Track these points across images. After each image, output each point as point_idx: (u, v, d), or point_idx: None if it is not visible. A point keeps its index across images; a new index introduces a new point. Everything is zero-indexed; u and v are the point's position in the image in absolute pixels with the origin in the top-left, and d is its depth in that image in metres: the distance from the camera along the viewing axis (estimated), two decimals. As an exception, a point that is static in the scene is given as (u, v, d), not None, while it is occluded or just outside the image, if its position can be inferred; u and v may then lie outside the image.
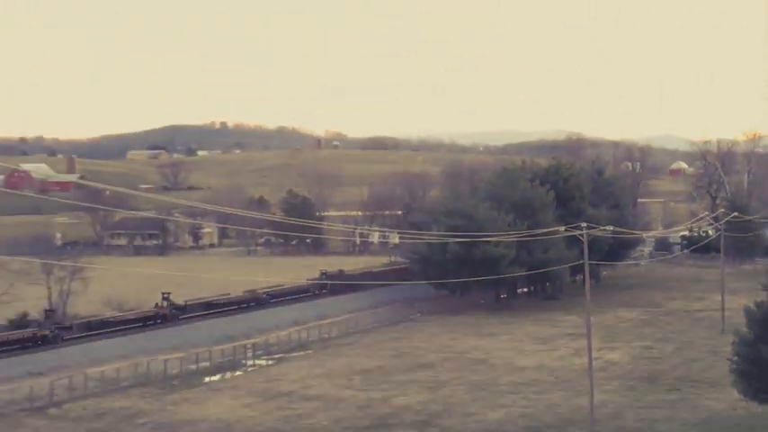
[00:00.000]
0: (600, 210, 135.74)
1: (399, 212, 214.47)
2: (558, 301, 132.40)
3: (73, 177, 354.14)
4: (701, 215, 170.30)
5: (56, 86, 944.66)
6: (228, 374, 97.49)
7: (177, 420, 78.49)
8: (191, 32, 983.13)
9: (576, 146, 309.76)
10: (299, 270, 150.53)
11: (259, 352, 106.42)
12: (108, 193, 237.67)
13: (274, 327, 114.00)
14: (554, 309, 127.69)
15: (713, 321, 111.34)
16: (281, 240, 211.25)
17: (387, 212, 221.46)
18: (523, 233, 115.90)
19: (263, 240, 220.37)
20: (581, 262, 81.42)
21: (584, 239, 78.15)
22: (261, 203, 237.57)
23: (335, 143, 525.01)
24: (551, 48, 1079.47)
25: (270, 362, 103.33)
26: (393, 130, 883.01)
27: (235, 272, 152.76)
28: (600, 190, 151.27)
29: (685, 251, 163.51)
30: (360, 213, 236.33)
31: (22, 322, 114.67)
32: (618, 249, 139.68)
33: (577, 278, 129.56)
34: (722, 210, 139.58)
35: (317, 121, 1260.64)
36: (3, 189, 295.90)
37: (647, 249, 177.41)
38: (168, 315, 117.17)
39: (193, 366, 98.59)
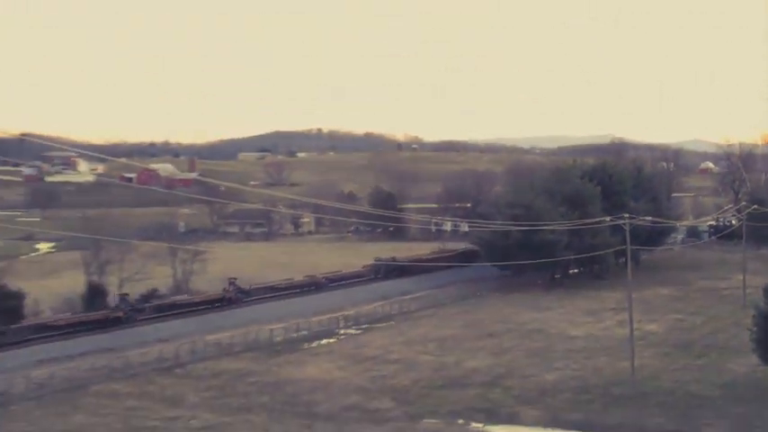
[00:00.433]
0: (639, 202, 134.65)
1: (468, 205, 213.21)
2: (603, 281, 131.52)
3: (193, 175, 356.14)
4: (726, 207, 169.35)
5: (180, 97, 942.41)
6: (324, 341, 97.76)
7: (281, 379, 78.97)
8: (290, 45, 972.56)
9: (618, 148, 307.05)
10: (379, 254, 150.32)
11: (350, 323, 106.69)
12: (223, 188, 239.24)
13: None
14: (600, 287, 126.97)
15: (736, 298, 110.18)
16: (368, 228, 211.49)
17: (457, 205, 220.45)
18: (574, 222, 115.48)
19: (352, 228, 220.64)
20: (624, 247, 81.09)
21: (627, 228, 77.97)
22: (350, 197, 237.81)
23: (414, 146, 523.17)
24: (602, 57, 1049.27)
25: (358, 331, 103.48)
26: (463, 135, 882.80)
27: (326, 255, 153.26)
28: (639, 185, 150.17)
29: (712, 238, 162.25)
30: (435, 205, 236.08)
31: (151, 295, 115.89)
32: (655, 236, 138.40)
33: (620, 261, 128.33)
34: (744, 203, 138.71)
35: (397, 127, 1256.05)
36: (136, 185, 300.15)
37: (680, 236, 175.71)
38: (233, 298, 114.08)
39: (294, 334, 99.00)
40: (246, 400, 72.37)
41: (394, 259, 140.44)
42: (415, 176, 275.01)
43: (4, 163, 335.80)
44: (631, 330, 76.98)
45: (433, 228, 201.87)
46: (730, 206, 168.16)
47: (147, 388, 76.83)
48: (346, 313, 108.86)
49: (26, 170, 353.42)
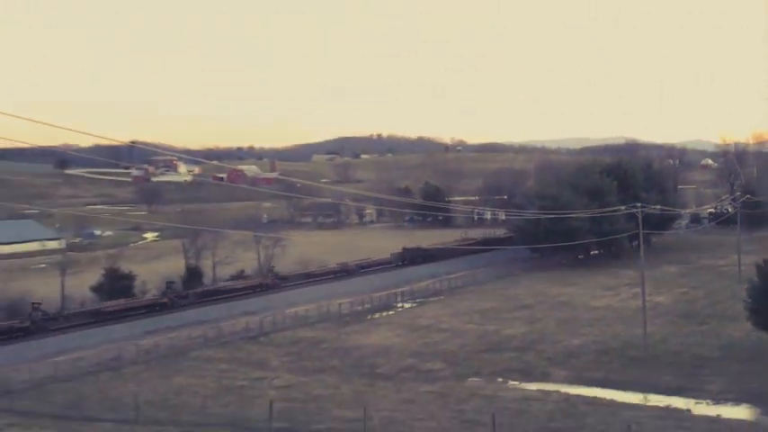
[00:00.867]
0: (650, 194, 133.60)
1: (505, 197, 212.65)
2: (620, 260, 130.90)
3: (274, 175, 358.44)
4: (723, 197, 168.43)
5: (265, 107, 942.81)
6: (384, 313, 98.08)
7: (349, 345, 79.45)
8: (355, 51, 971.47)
9: (631, 148, 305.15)
10: (429, 239, 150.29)
11: (406, 297, 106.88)
12: (299, 185, 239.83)
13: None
14: (617, 266, 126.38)
15: (732, 274, 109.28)
16: (420, 218, 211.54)
17: (496, 197, 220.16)
18: (594, 211, 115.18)
19: (407, 218, 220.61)
20: (636, 231, 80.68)
21: (639, 215, 77.67)
22: (405, 192, 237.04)
23: (458, 148, 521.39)
24: (618, 63, 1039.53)
25: (413, 304, 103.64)
26: (501, 138, 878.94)
27: (384, 241, 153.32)
28: (649, 179, 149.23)
29: (712, 223, 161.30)
30: (476, 198, 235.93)
31: (240, 276, 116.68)
32: (663, 222, 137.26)
33: (634, 243, 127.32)
34: (738, 193, 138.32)
35: (445, 131, 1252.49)
36: (226, 183, 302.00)
37: (684, 222, 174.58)
38: (272, 284, 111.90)
39: (359, 307, 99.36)
40: (320, 363, 72.87)
41: (419, 247, 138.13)
42: (460, 173, 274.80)
43: (117, 166, 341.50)
44: (644, 302, 76.78)
45: (475, 217, 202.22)
46: (727, 196, 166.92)
47: (236, 354, 77.58)
48: (402, 289, 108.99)
49: (135, 172, 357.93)
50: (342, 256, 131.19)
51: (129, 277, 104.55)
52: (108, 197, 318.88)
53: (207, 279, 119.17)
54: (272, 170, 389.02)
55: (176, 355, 76.42)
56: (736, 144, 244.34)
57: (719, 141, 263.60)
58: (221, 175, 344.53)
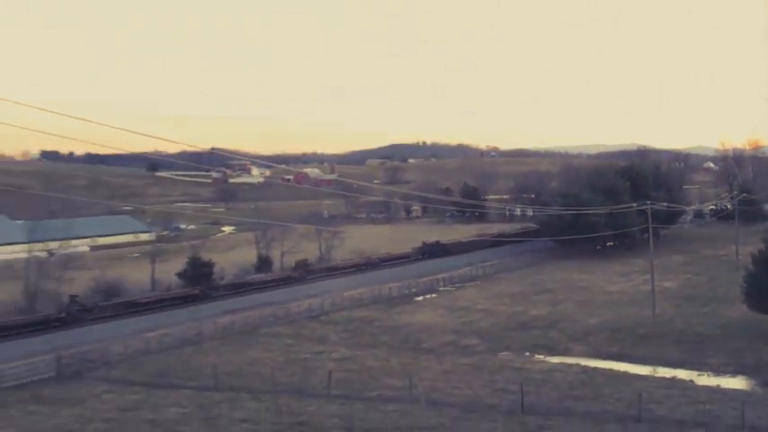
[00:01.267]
0: (659, 192, 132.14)
1: (533, 196, 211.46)
2: (632, 251, 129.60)
3: (334, 177, 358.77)
4: (723, 196, 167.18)
5: (322, 118, 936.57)
6: (428, 296, 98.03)
7: (398, 324, 79.60)
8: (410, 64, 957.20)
9: (643, 153, 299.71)
10: (468, 232, 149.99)
11: (447, 283, 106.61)
12: (355, 186, 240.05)
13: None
14: (630, 255, 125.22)
15: (731, 262, 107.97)
16: (459, 214, 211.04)
17: (525, 196, 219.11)
18: (610, 207, 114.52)
19: (448, 214, 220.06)
20: (647, 225, 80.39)
21: (649, 211, 77.26)
22: (447, 192, 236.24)
23: (492, 153, 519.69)
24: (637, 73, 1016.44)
25: (453, 288, 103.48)
26: (529, 144, 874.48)
27: (428, 234, 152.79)
28: (658, 180, 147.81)
29: (713, 219, 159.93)
30: (508, 196, 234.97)
31: (303, 264, 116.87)
32: (670, 217, 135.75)
33: (644, 236, 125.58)
34: (736, 192, 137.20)
35: (481, 138, 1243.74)
36: (293, 184, 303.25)
37: (689, 217, 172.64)
38: (298, 277, 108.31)
39: (407, 291, 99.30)
40: (372, 339, 73.08)
41: (438, 242, 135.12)
42: (494, 175, 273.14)
43: (199, 169, 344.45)
44: (653, 287, 76.68)
45: (507, 213, 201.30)
46: (726, 195, 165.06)
47: (300, 330, 77.88)
48: (443, 275, 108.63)
49: (214, 174, 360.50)
50: (389, 247, 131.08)
51: (209, 265, 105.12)
52: (192, 196, 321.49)
53: (275, 267, 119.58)
54: (332, 173, 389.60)
55: (250, 332, 76.83)
56: (734, 149, 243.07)
57: (719, 147, 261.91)
58: (288, 177, 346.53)
